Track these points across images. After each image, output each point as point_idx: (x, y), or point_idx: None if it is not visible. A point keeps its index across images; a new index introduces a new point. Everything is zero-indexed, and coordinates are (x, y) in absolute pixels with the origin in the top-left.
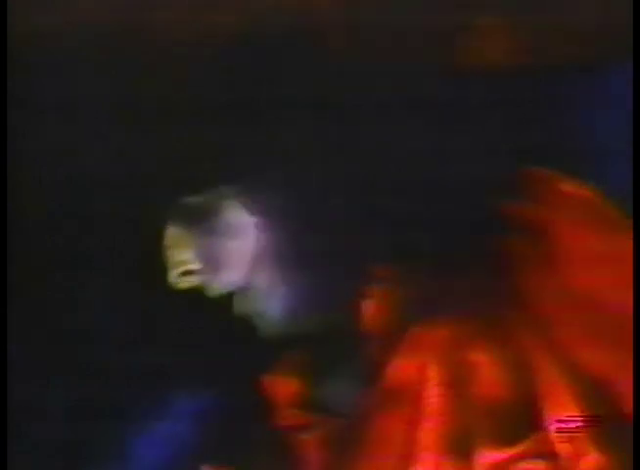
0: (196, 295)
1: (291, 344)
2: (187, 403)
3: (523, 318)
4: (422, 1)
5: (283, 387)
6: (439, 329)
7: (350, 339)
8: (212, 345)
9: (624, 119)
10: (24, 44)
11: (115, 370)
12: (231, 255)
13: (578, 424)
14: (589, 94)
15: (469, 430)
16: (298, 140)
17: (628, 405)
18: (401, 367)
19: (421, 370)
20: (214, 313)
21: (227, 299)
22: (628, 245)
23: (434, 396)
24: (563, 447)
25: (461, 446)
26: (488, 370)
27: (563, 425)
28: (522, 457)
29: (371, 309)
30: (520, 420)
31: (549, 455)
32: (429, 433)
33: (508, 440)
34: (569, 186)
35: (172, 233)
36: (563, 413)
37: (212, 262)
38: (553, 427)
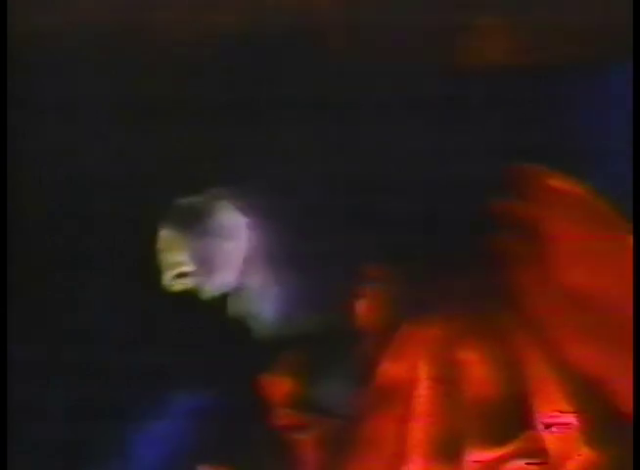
0: (192, 296)
1: (285, 344)
2: (186, 403)
3: (514, 316)
4: (422, 1)
5: (279, 387)
6: (430, 328)
7: (345, 338)
8: (211, 345)
9: (624, 119)
10: (24, 44)
11: (115, 370)
12: (225, 256)
13: (569, 422)
14: (589, 94)
15: (459, 429)
16: (298, 140)
17: (621, 403)
18: (392, 367)
19: (412, 369)
20: (212, 313)
21: (221, 300)
22: (620, 241)
23: (424, 395)
24: (553, 446)
25: (451, 446)
26: (479, 369)
27: (553, 423)
28: (512, 456)
29: (364, 309)
30: (510, 419)
31: (539, 454)
32: (419, 432)
33: (498, 439)
34: (558, 182)
35: (166, 235)
36: (554, 412)
37: (206, 264)
38: (543, 425)
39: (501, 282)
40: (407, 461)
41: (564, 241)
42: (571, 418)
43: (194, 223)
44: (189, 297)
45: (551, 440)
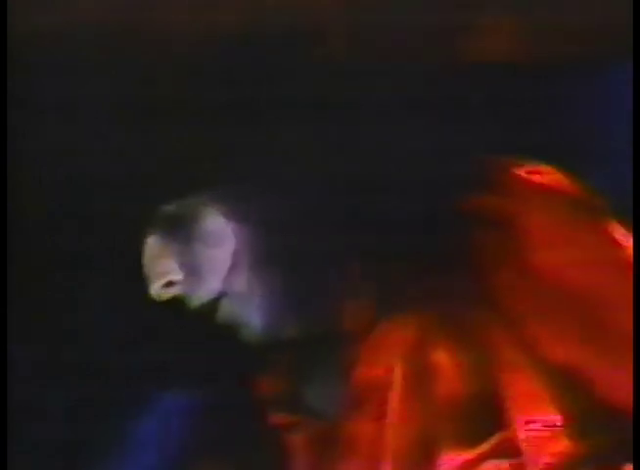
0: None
1: (275, 345)
2: (185, 403)
3: (491, 315)
4: (422, 1)
5: (269, 387)
6: (408, 328)
7: (333, 340)
8: (209, 344)
9: (624, 119)
10: (24, 44)
11: (115, 370)
12: (211, 262)
13: (550, 418)
14: (589, 94)
15: (433, 431)
16: (298, 140)
17: (600, 392)
18: (369, 368)
19: (387, 370)
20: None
21: (209, 306)
22: (602, 230)
23: (398, 396)
24: (528, 444)
25: (425, 448)
26: (454, 369)
27: (534, 421)
28: (487, 457)
29: (352, 310)
30: (485, 419)
31: (514, 454)
32: (393, 434)
33: (473, 439)
34: (535, 175)
35: (152, 244)
36: (534, 410)
37: (194, 271)
38: (523, 424)
39: (479, 280)
40: (383, 464)
41: (544, 235)
42: (551, 414)
43: (179, 230)
44: (177, 304)
45: (527, 438)
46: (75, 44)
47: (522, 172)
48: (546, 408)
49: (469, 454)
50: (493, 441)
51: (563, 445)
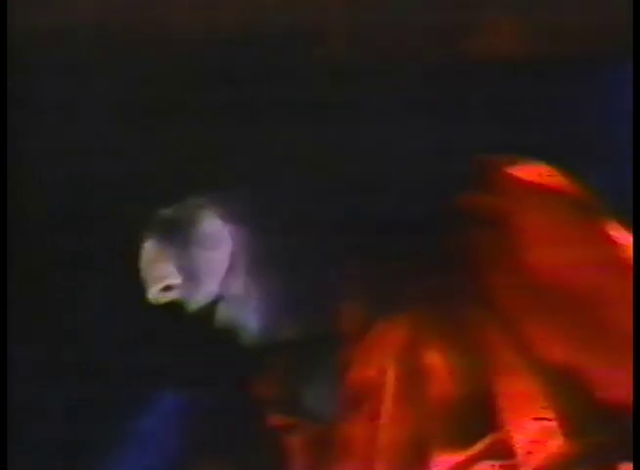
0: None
1: (272, 348)
2: (185, 404)
3: (485, 315)
4: (422, 1)
5: (266, 389)
6: (401, 328)
7: (330, 341)
8: (207, 347)
9: (624, 119)
10: (24, 44)
11: (115, 370)
12: (209, 265)
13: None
14: (589, 94)
15: (426, 432)
16: (298, 140)
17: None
18: (363, 369)
19: (380, 371)
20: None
21: (207, 309)
22: (597, 229)
23: (391, 397)
24: (522, 445)
25: (419, 449)
26: (448, 370)
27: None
28: (480, 458)
29: (348, 311)
30: (479, 420)
31: (507, 456)
32: (386, 435)
33: (466, 441)
34: (532, 174)
35: (149, 248)
36: (526, 413)
37: (191, 274)
38: (514, 426)
39: (474, 280)
40: (376, 464)
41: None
42: (546, 414)
43: (177, 234)
44: (175, 307)
45: (520, 439)
46: (75, 44)
47: (517, 171)
48: (540, 409)
49: (462, 455)
50: (487, 442)
51: (558, 445)
